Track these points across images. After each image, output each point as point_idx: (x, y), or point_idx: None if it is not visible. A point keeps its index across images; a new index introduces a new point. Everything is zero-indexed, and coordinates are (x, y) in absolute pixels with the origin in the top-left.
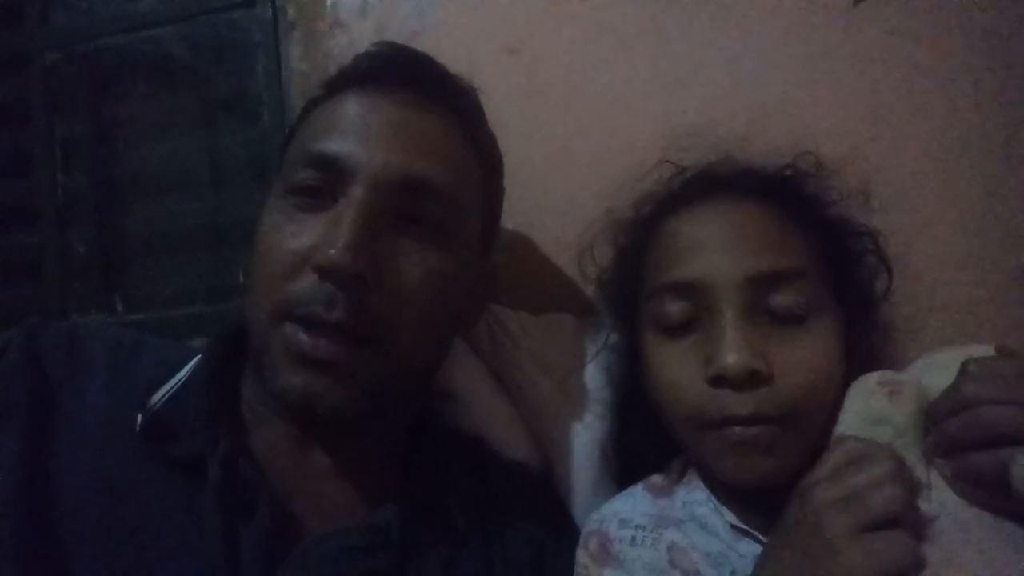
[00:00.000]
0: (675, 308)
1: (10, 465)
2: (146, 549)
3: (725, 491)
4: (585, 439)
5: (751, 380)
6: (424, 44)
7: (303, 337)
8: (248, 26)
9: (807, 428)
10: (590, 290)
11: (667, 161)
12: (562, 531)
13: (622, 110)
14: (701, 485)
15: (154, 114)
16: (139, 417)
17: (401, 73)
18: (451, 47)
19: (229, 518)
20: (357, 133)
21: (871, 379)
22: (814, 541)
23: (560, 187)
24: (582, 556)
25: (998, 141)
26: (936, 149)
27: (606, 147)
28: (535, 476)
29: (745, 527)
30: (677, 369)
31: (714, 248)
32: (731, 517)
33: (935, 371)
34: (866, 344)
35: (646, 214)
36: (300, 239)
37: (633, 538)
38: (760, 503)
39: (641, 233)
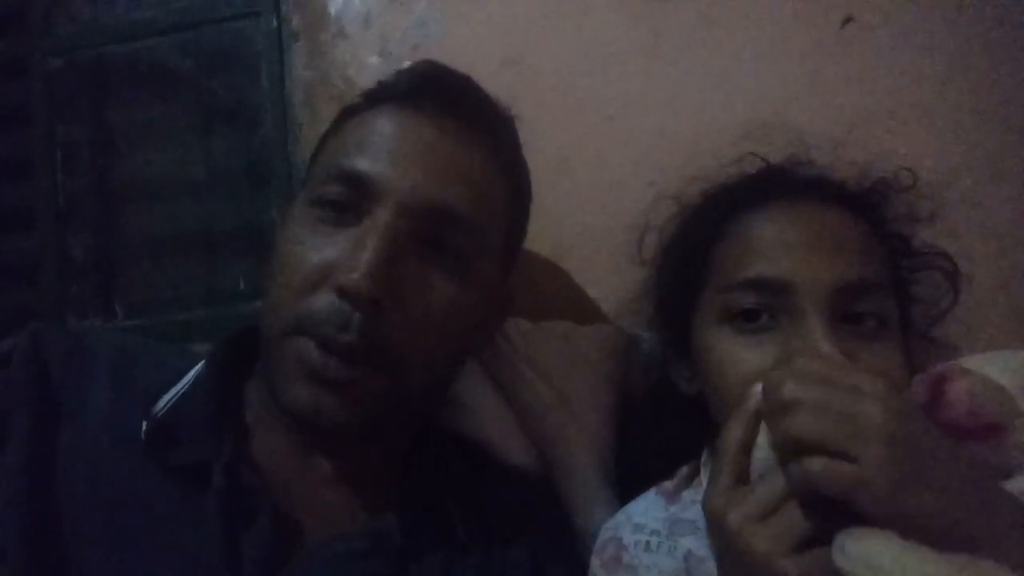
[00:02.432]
0: (751, 305)
1: (16, 469)
2: (148, 555)
3: None
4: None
5: None
6: (426, 55)
7: (315, 353)
8: (252, 36)
9: None
10: (590, 299)
11: (753, 154)
12: (561, 537)
13: (620, 122)
14: None
15: (156, 121)
16: (143, 424)
17: (441, 96)
18: (452, 59)
19: (231, 525)
20: (389, 153)
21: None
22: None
23: (559, 197)
24: (595, 564)
25: (985, 155)
26: (922, 164)
27: (604, 158)
28: (535, 481)
29: None
30: (747, 364)
31: (804, 249)
32: None
33: (987, 365)
34: (915, 357)
35: (719, 204)
36: (322, 254)
37: (648, 543)
38: None
39: (712, 223)
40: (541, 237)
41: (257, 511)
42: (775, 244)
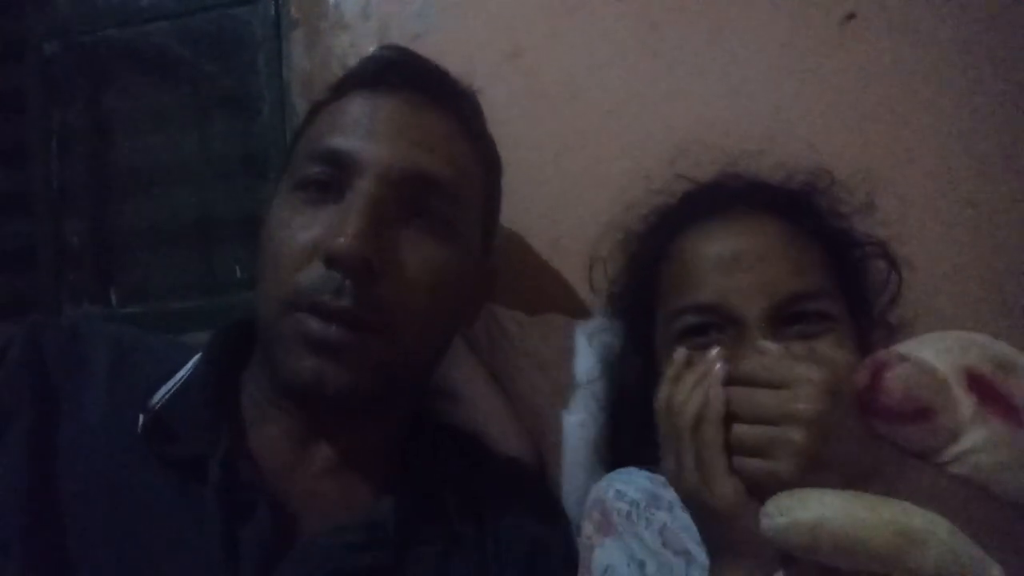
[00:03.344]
0: (698, 326)
1: (17, 464)
2: (147, 549)
3: None
4: (579, 436)
5: None
6: (426, 46)
7: (313, 322)
8: (250, 23)
9: None
10: (587, 293)
11: (680, 175)
12: (556, 526)
13: (620, 116)
14: None
15: (153, 108)
16: (140, 418)
17: (406, 75)
18: (453, 50)
19: (228, 518)
20: (364, 130)
21: None
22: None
23: (557, 190)
24: (586, 527)
25: (985, 151)
26: (924, 159)
27: (604, 151)
28: (530, 472)
29: None
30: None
31: (736, 270)
32: None
33: (925, 349)
34: (873, 343)
35: (658, 228)
36: (309, 231)
37: (629, 513)
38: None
39: (653, 247)
40: (538, 230)
41: (254, 505)
42: (709, 267)
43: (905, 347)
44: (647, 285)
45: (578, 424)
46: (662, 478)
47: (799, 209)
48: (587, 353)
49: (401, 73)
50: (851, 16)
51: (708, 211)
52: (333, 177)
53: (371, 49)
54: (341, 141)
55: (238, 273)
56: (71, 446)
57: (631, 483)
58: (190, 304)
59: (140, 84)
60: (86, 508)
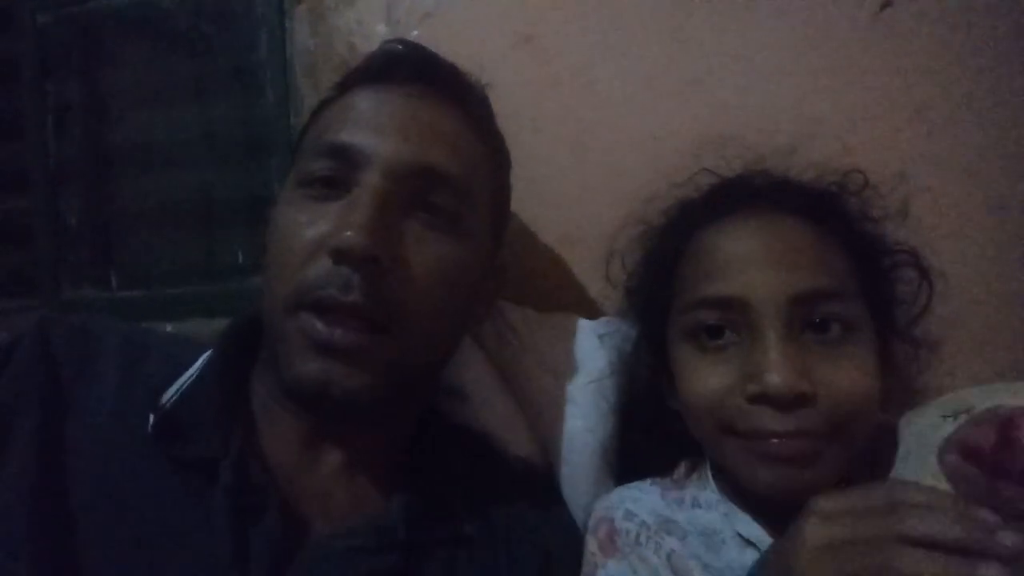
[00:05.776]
0: (713, 322)
1: (25, 462)
2: (156, 549)
3: (744, 499)
4: (587, 438)
5: (795, 401)
6: (435, 27)
7: (319, 325)
8: None
9: (848, 443)
10: (599, 290)
11: (706, 169)
12: (566, 528)
13: (636, 104)
14: (712, 487)
15: (151, 82)
16: (151, 417)
17: (412, 69)
18: (463, 32)
19: (239, 520)
20: (371, 124)
21: (931, 410)
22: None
23: (570, 181)
24: (591, 543)
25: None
26: (958, 160)
27: (619, 141)
28: (540, 473)
29: (750, 539)
30: (712, 381)
31: (757, 265)
32: (743, 526)
33: (997, 400)
34: (897, 359)
35: (679, 222)
36: (315, 227)
37: (638, 535)
38: (782, 512)
39: (674, 242)
40: (550, 225)
41: (265, 507)
42: (730, 261)
43: (1017, 395)
44: (665, 281)
45: (585, 428)
46: (676, 497)
47: (827, 211)
48: (597, 352)
49: (408, 67)
50: (887, 5)
51: (732, 207)
52: (339, 172)
53: (378, 28)
54: (347, 135)
55: (240, 258)
56: (80, 444)
57: (643, 504)
58: (191, 290)
59: (137, 58)
60: (95, 507)
